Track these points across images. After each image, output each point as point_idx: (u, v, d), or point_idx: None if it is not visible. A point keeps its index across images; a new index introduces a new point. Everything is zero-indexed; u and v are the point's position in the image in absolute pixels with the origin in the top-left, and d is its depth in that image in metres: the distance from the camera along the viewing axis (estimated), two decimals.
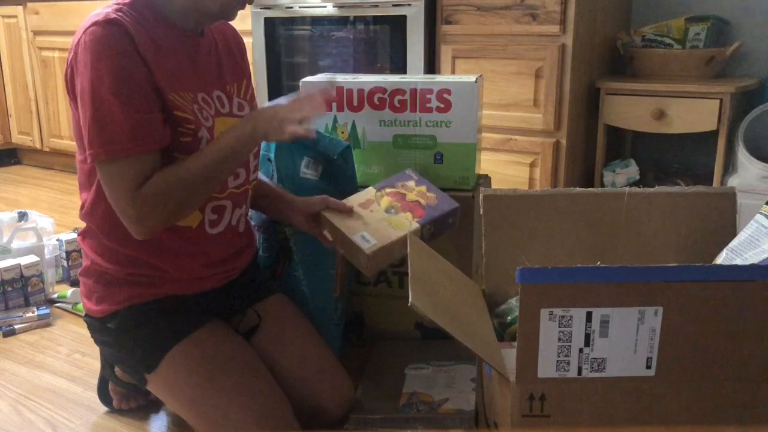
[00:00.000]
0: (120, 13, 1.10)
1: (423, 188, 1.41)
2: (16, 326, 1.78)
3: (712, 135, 2.04)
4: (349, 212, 1.31)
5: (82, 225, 1.26)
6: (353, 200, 1.35)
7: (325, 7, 2.39)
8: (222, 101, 1.25)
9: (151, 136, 1.10)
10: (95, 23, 1.07)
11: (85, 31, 1.08)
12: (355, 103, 1.56)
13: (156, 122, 1.10)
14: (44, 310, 1.85)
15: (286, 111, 1.16)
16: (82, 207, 1.23)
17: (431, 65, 2.31)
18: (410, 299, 0.87)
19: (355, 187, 1.56)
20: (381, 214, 1.31)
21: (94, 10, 1.13)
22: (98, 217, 1.20)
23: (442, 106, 1.51)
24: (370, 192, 1.38)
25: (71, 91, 1.13)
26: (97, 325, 1.24)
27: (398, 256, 1.28)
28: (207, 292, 1.27)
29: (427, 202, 1.36)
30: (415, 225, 1.30)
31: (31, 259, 1.93)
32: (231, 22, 1.29)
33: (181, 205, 1.13)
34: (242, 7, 1.21)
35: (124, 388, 1.38)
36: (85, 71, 1.07)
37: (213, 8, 1.18)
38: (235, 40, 1.34)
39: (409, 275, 0.98)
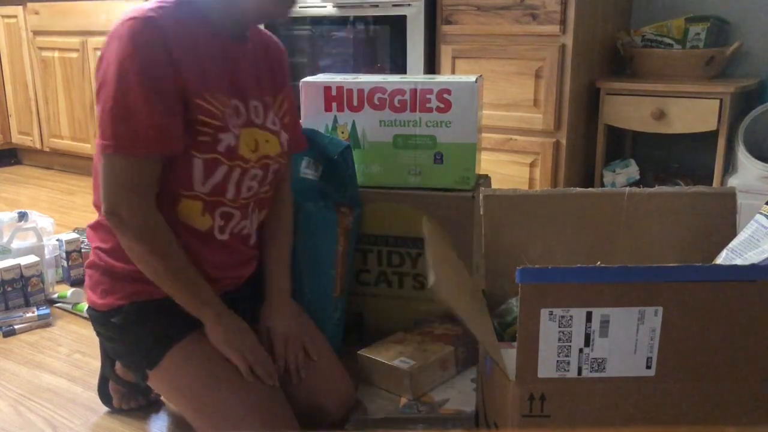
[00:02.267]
0: (161, 11, 1.10)
1: (448, 325, 1.50)
2: (16, 326, 1.78)
3: (712, 135, 2.04)
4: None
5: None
6: (385, 340, 1.43)
7: (325, 7, 2.39)
8: (258, 112, 1.24)
9: (169, 140, 1.10)
10: (133, 18, 1.07)
11: (122, 23, 1.08)
12: (355, 103, 1.56)
13: (176, 127, 1.11)
14: (44, 310, 1.85)
15: (258, 358, 1.18)
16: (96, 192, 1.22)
17: (431, 65, 2.31)
18: (430, 281, 0.85)
19: (355, 187, 1.56)
20: (414, 345, 1.40)
21: (133, 6, 1.12)
22: None
23: (442, 106, 1.51)
24: (399, 334, 1.47)
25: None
26: (100, 319, 1.24)
27: (439, 378, 1.35)
28: None
29: (455, 333, 1.46)
30: (449, 348, 1.38)
31: (31, 259, 1.93)
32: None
33: (152, 265, 1.15)
34: (284, 10, 1.20)
35: (124, 387, 1.38)
36: (113, 63, 1.07)
37: (248, 7, 1.17)
38: (276, 52, 1.34)
39: (430, 258, 0.95)
